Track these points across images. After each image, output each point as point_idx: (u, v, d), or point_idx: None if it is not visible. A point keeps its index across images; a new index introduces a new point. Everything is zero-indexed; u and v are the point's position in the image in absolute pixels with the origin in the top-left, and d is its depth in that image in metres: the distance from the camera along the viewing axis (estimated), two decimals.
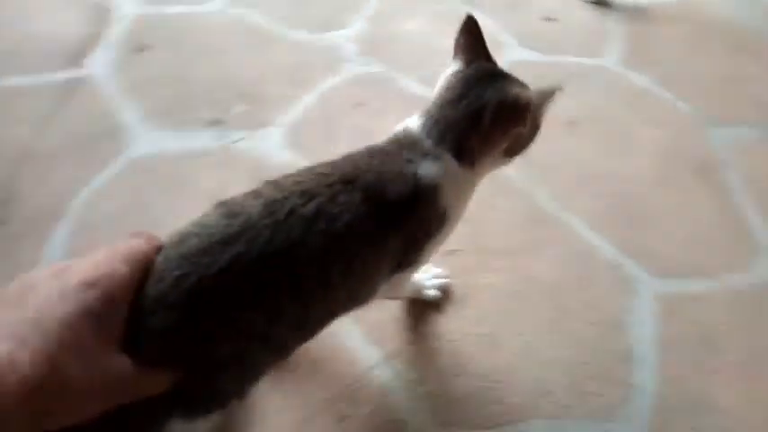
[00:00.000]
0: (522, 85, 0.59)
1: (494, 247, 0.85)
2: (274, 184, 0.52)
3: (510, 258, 0.85)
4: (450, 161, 0.57)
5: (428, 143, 0.57)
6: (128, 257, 0.43)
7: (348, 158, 0.56)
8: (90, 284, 0.39)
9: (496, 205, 0.90)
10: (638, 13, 1.32)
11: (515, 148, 0.61)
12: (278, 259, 0.47)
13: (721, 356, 0.77)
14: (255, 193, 0.50)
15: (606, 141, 1.03)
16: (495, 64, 0.62)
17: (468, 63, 0.61)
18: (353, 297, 0.56)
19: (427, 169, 0.56)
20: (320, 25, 1.24)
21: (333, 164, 0.55)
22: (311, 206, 0.49)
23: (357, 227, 0.51)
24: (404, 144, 0.58)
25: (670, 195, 0.96)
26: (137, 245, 0.45)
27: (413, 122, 0.60)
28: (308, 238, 0.48)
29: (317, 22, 1.25)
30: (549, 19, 1.29)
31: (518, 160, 0.62)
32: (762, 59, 1.23)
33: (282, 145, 0.99)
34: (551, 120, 0.62)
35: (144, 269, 0.44)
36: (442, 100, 0.59)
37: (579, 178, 0.97)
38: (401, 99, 1.08)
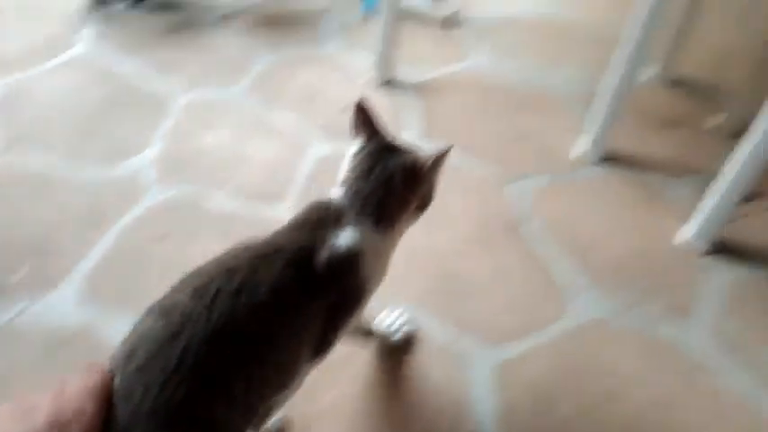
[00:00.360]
0: (418, 150, 0.68)
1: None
2: (196, 271, 0.55)
3: (347, 366, 0.82)
4: (370, 229, 0.63)
5: (350, 213, 0.63)
6: (93, 393, 0.45)
7: (272, 234, 0.61)
8: (62, 425, 0.41)
9: None
10: (426, 88, 1.42)
11: (423, 204, 0.70)
12: (220, 338, 0.50)
13: (555, 413, 0.80)
14: (179, 287, 0.54)
15: (424, 219, 1.07)
16: (390, 137, 0.69)
17: (368, 139, 0.68)
18: (281, 372, 0.57)
19: (348, 238, 0.61)
20: (112, 155, 1.17)
21: (254, 239, 0.59)
22: (235, 282, 0.53)
23: (281, 295, 0.54)
24: (326, 214, 0.63)
25: (486, 261, 1.01)
26: (96, 378, 0.46)
27: (334, 193, 0.66)
28: (235, 313, 0.51)
29: (108, 152, 1.17)
30: (346, 110, 1.34)
31: None
32: (541, 114, 1.37)
33: (78, 301, 0.89)
34: None
35: (108, 401, 0.46)
36: (355, 174, 0.66)
37: (406, 262, 0.98)
38: (210, 221, 1.04)
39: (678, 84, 1.47)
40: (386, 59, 1.39)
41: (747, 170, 0.96)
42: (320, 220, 0.62)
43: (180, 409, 0.47)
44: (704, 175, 1.05)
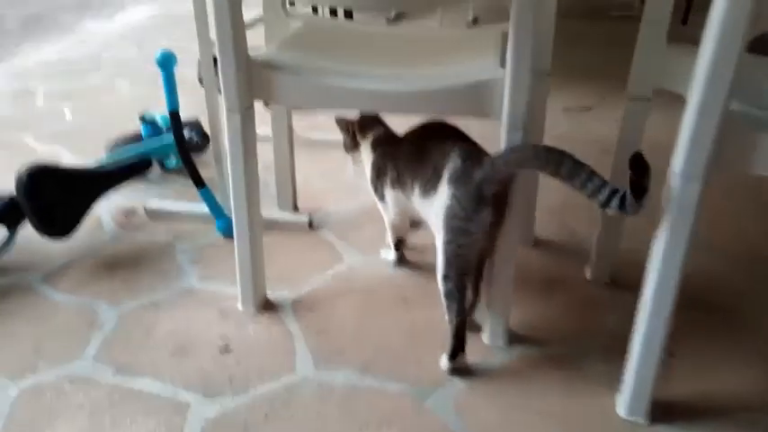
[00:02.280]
0: None
1: None
2: None
3: None
4: None
5: None
6: None
7: None
8: None
9: None
10: (306, 304, 1.32)
11: None
12: None
13: None
14: None
15: None
16: None
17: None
18: None
19: None
20: None
21: None
22: None
23: None
24: None
25: None
26: None
27: None
28: None
29: None
30: (226, 350, 1.17)
31: None
32: (421, 307, 1.33)
33: None
34: None
35: None
36: None
37: None
38: None
39: (537, 243, 1.54)
40: (255, 283, 1.27)
41: (657, 324, 0.95)
42: None
43: None
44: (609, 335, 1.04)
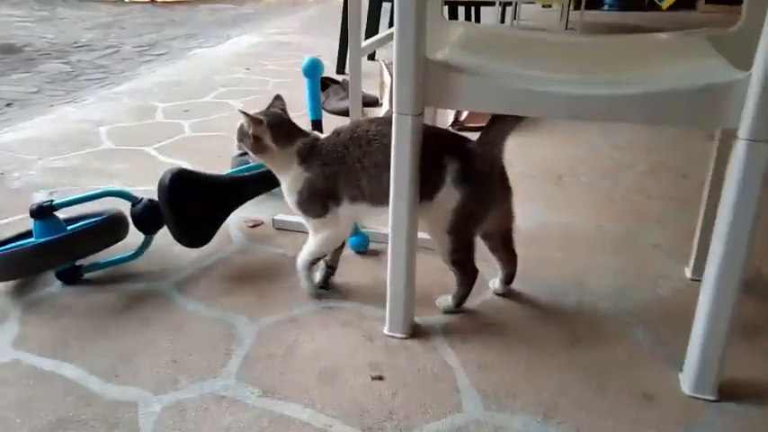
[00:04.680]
0: None
1: None
2: None
3: None
4: None
5: None
6: None
7: None
8: None
9: None
10: (462, 337, 1.18)
11: None
12: None
13: None
14: None
15: None
16: None
17: None
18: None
19: None
20: None
21: None
22: None
23: None
24: None
25: None
26: None
27: None
28: None
29: None
30: (379, 378, 1.04)
31: None
32: (596, 346, 1.15)
33: None
34: None
35: None
36: None
37: None
38: None
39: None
40: (406, 307, 1.14)
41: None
42: None
43: None
44: None
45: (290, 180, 1.19)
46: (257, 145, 1.18)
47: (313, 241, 1.23)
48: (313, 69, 1.38)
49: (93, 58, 4.33)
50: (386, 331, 1.16)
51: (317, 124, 1.41)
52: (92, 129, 2.43)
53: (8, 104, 3.04)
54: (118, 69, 3.96)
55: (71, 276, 1.31)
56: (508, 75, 0.99)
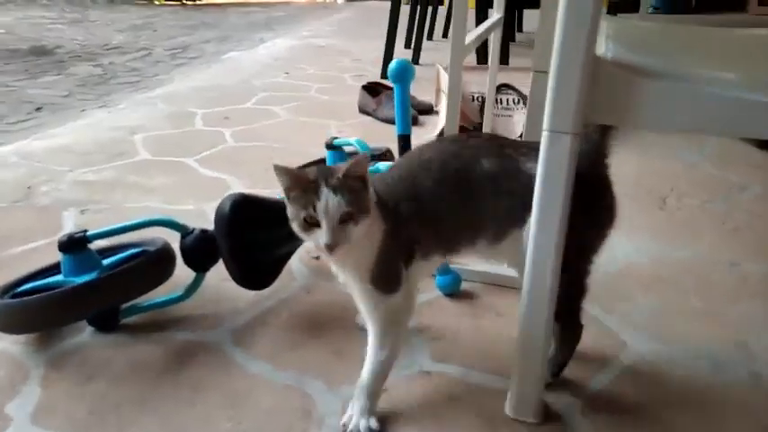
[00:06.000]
0: None
1: None
2: None
3: None
4: None
5: None
6: None
7: None
8: None
9: None
10: (605, 419, 0.90)
11: None
12: None
13: None
14: None
15: None
16: None
17: None
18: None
19: None
20: None
21: None
22: None
23: None
24: None
25: None
26: None
27: None
28: None
29: None
30: None
31: None
32: None
33: None
34: None
35: None
36: None
37: None
38: None
39: None
40: (537, 384, 0.87)
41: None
42: None
43: None
44: None
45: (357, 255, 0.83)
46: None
47: (380, 341, 0.86)
48: (403, 73, 1.12)
49: (124, 61, 4.15)
50: (510, 413, 0.89)
51: (405, 140, 1.15)
52: (126, 137, 2.22)
53: (38, 109, 2.85)
54: (151, 72, 3.77)
55: (107, 322, 1.07)
56: (712, 80, 0.72)
